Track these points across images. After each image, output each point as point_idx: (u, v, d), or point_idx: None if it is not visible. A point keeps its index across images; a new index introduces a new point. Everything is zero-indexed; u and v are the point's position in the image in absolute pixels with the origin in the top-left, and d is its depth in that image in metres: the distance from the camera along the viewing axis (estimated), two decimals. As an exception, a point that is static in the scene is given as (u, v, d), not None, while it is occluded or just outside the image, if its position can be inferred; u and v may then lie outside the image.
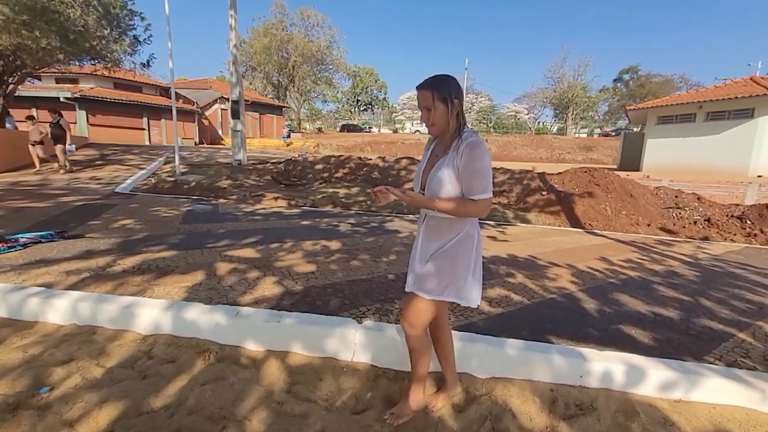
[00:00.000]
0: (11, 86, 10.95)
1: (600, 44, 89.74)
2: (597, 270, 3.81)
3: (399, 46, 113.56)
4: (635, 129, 32.63)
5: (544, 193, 8.36)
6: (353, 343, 2.06)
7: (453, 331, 2.15)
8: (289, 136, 34.14)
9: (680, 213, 7.63)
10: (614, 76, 54.67)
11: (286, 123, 39.57)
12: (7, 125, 11.64)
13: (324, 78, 45.71)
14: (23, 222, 4.49)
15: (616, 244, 5.36)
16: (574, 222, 7.06)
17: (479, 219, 1.60)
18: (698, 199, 8.27)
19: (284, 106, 39.55)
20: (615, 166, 20.57)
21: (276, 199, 7.38)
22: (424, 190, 1.55)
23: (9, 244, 3.38)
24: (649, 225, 7.06)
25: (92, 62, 11.48)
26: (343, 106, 63.55)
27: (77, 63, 11.54)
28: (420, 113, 1.54)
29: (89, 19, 9.13)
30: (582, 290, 3.13)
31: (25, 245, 3.46)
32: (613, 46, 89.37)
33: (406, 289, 1.65)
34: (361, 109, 64.19)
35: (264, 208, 6.52)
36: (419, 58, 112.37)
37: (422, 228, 1.61)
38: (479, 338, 2.05)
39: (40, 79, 18.92)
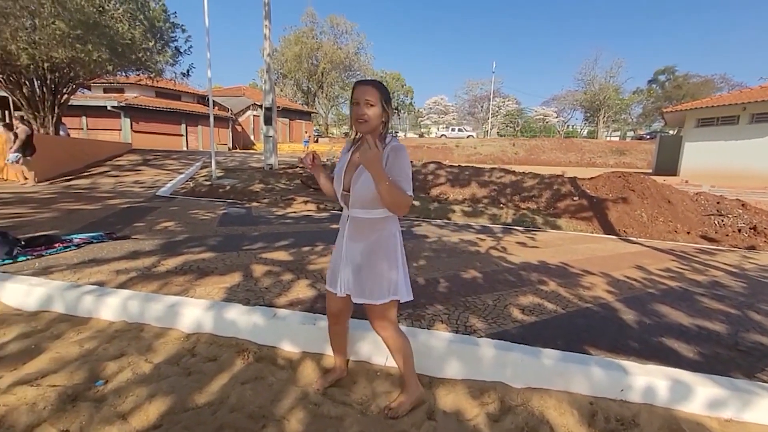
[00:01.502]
0: (65, 96, 11.77)
1: (634, 45, 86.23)
2: (634, 279, 3.67)
3: (425, 50, 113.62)
4: (671, 132, 31.06)
5: (575, 198, 8.12)
6: (386, 347, 2.08)
7: (486, 339, 2.14)
8: (317, 141, 34.75)
9: (723, 220, 7.20)
10: (649, 77, 52.43)
11: (315, 128, 40.32)
12: (61, 132, 12.52)
13: (352, 84, 46.23)
14: (76, 223, 4.82)
15: (654, 252, 5.14)
16: (608, 228, 6.82)
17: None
18: (743, 205, 7.78)
19: (313, 112, 40.37)
20: (650, 171, 19.68)
21: (306, 202, 7.55)
22: (346, 191, 1.62)
23: (65, 244, 3.65)
24: (688, 233, 6.72)
25: (137, 72, 12.19)
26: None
27: (124, 73, 12.29)
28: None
29: (136, 33, 9.74)
30: (619, 300, 3.03)
31: (78, 245, 3.72)
32: (648, 47, 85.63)
33: (338, 293, 1.69)
34: (387, 113, 64.37)
35: (294, 212, 6.69)
36: (446, 62, 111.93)
37: (346, 227, 1.66)
38: (514, 347, 2.03)
39: (90, 89, 20.23)
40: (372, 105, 1.51)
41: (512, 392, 1.89)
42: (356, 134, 1.63)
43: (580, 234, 6.39)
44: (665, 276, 3.86)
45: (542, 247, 4.98)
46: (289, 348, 2.21)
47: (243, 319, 2.29)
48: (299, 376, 2.01)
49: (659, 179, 9.71)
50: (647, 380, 1.80)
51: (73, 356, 2.07)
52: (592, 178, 9.12)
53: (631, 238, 6.20)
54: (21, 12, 8.48)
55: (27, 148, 8.50)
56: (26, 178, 8.73)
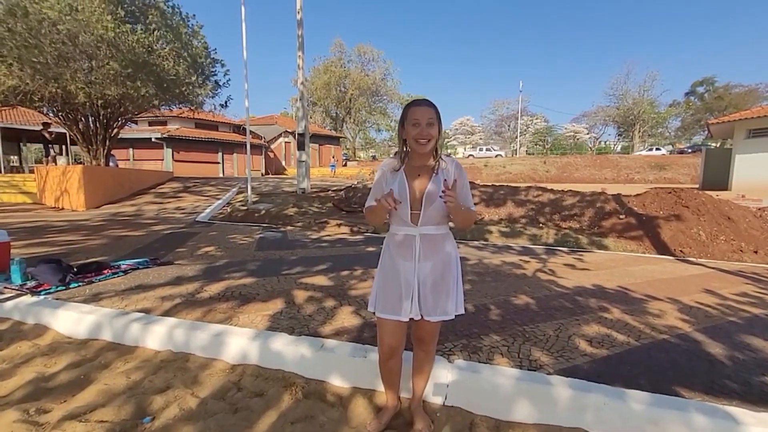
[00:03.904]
0: (115, 130, 12.62)
1: (668, 57, 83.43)
2: (708, 305, 3.29)
3: (450, 72, 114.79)
4: (713, 144, 29.33)
5: (621, 216, 7.66)
6: (445, 384, 1.90)
7: (559, 377, 1.92)
8: (345, 164, 35.37)
9: (797, 238, 6.52)
10: (686, 89, 50.40)
11: (343, 153, 41.18)
12: (110, 163, 13.37)
13: (378, 108, 47.33)
14: (124, 249, 4.98)
15: (721, 274, 4.67)
16: (661, 248, 6.32)
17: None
18: (819, 221, 7.05)
19: (341, 137, 41.33)
20: (696, 186, 18.48)
21: (339, 225, 7.51)
22: (415, 211, 1.57)
23: (113, 270, 3.72)
24: (756, 252, 6.12)
25: (180, 106, 12.93)
26: (396, 133, 64.86)
27: (168, 107, 13.07)
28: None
29: (180, 69, 10.38)
30: (699, 330, 2.69)
31: (125, 271, 3.79)
32: (682, 58, 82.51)
33: (404, 318, 1.61)
34: (414, 136, 64.95)
35: (329, 235, 6.66)
36: (471, 83, 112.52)
37: (416, 246, 1.58)
38: (593, 387, 1.79)
39: (136, 123, 21.69)
40: (433, 125, 1.54)
41: (596, 441, 1.64)
42: (404, 152, 1.64)
43: (631, 255, 5.95)
44: (744, 302, 3.45)
45: (593, 269, 4.64)
46: (338, 382, 2.07)
47: (289, 350, 2.18)
48: (351, 415, 1.86)
49: (712, 194, 9.05)
50: (765, 432, 1.51)
51: (120, 388, 2.02)
52: (638, 194, 8.63)
53: (691, 259, 5.71)
54: (80, 56, 9.25)
55: None
56: None
